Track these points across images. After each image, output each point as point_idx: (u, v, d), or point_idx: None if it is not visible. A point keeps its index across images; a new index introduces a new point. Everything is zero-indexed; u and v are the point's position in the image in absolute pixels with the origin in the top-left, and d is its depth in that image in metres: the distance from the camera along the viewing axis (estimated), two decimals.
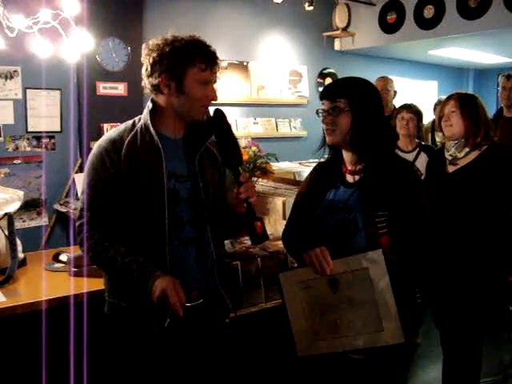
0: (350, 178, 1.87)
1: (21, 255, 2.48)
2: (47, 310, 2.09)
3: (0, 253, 2.36)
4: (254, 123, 5.49)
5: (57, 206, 3.95)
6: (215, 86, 1.83)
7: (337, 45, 6.26)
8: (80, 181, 3.80)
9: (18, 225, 3.65)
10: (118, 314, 1.83)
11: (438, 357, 2.82)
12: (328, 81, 6.20)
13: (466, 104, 2.55)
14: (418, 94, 7.24)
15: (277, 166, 3.36)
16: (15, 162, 3.87)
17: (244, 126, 5.37)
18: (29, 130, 3.92)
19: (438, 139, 4.45)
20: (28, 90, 3.88)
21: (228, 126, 1.76)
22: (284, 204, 2.92)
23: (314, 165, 2.08)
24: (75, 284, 2.25)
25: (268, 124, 5.61)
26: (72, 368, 1.98)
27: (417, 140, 3.73)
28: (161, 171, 1.75)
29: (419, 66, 7.41)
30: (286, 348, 1.89)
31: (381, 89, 4.42)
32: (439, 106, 2.79)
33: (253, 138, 3.11)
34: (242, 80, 5.38)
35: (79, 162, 4.10)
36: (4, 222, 2.39)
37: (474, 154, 2.55)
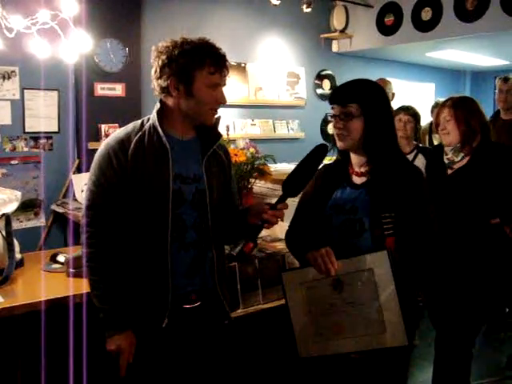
0: (356, 180, 1.87)
1: (18, 256, 2.48)
2: (45, 310, 2.09)
3: None
4: (252, 124, 5.50)
5: (54, 207, 3.95)
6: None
7: (334, 46, 6.27)
8: (78, 182, 3.81)
9: (16, 225, 3.64)
10: None
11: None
12: (326, 82, 6.22)
13: (461, 111, 2.55)
14: (415, 96, 7.25)
15: (274, 168, 3.37)
16: (12, 162, 3.87)
17: (241, 128, 5.37)
18: (26, 130, 3.92)
19: (435, 141, 4.47)
20: (26, 91, 3.88)
21: (318, 165, 1.76)
22: None
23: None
24: (73, 285, 2.25)
25: (266, 125, 5.61)
26: (71, 369, 1.98)
27: (414, 142, 3.74)
28: (167, 171, 1.75)
29: (417, 68, 7.43)
30: (284, 349, 1.89)
31: None
32: (436, 110, 2.79)
33: (250, 140, 3.12)
34: (240, 81, 5.38)
35: (77, 162, 4.10)
36: (1, 223, 2.38)
37: (468, 157, 2.58)
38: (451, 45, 5.76)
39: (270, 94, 5.63)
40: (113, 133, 1.88)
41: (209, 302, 1.87)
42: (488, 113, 4.98)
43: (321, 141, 5.01)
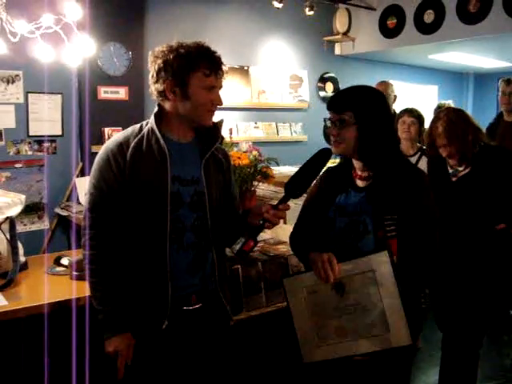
0: (360, 183, 1.88)
1: (22, 259, 2.49)
2: (49, 313, 2.09)
3: (1, 256, 2.36)
4: (255, 127, 5.50)
5: (58, 210, 3.96)
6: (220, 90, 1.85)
7: (337, 49, 6.27)
8: (81, 185, 3.82)
9: (20, 228, 3.66)
10: None
11: (438, 360, 2.83)
12: (328, 85, 6.22)
13: (451, 128, 2.54)
14: (418, 98, 7.25)
15: (277, 171, 3.37)
16: (17, 165, 3.89)
17: (244, 131, 5.38)
18: (30, 134, 3.94)
19: None
20: (30, 95, 3.89)
21: (321, 168, 1.78)
22: None
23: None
24: (77, 288, 2.25)
25: (269, 128, 5.62)
26: (74, 371, 1.98)
27: (418, 144, 3.74)
28: (165, 174, 1.76)
29: (419, 70, 7.43)
30: (287, 352, 1.89)
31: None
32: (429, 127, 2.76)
33: (253, 143, 3.12)
34: (243, 84, 5.40)
35: (80, 165, 4.11)
36: (6, 226, 2.39)
37: (470, 165, 2.60)
38: (454, 47, 5.76)
39: (272, 96, 5.64)
40: (105, 138, 1.90)
41: (210, 304, 1.88)
42: (491, 115, 4.99)
43: (324, 143, 5.01)
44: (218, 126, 1.88)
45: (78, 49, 3.07)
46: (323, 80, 6.20)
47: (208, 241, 1.85)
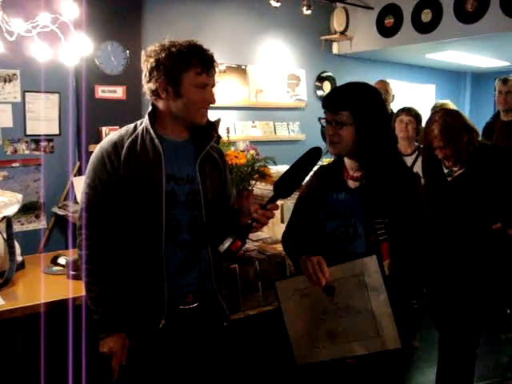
0: (351, 184, 1.86)
1: (19, 258, 2.48)
2: (46, 312, 2.09)
3: None
4: (253, 126, 5.50)
5: (55, 210, 3.95)
6: (213, 89, 1.85)
7: (335, 48, 6.27)
8: (78, 184, 3.80)
9: (17, 228, 3.65)
10: None
11: (436, 360, 2.83)
12: (326, 84, 6.21)
13: (447, 130, 2.54)
14: (416, 97, 7.25)
15: (275, 170, 3.36)
16: (14, 165, 3.87)
17: (242, 130, 5.38)
18: (27, 133, 3.92)
19: None
20: (27, 94, 3.88)
21: (311, 168, 1.75)
22: (282, 207, 2.92)
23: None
24: (74, 287, 2.25)
25: (266, 127, 5.61)
26: (70, 371, 1.98)
27: (416, 143, 3.75)
28: (160, 173, 1.76)
29: (417, 69, 7.43)
30: (283, 351, 1.89)
31: (381, 91, 4.41)
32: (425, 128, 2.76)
33: (251, 142, 3.12)
34: (240, 83, 5.39)
35: (78, 165, 4.10)
36: (2, 225, 2.39)
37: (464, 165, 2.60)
38: (451, 46, 5.76)
39: (270, 96, 5.63)
40: (103, 137, 1.90)
41: (207, 303, 1.88)
42: (488, 114, 5.00)
43: (321, 143, 5.01)
44: (212, 124, 1.88)
45: (75, 48, 3.06)
46: (321, 79, 6.20)
47: (204, 239, 1.85)
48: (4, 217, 2.40)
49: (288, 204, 2.78)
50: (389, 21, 5.73)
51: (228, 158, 2.64)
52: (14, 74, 3.81)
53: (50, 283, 2.36)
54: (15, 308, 2.07)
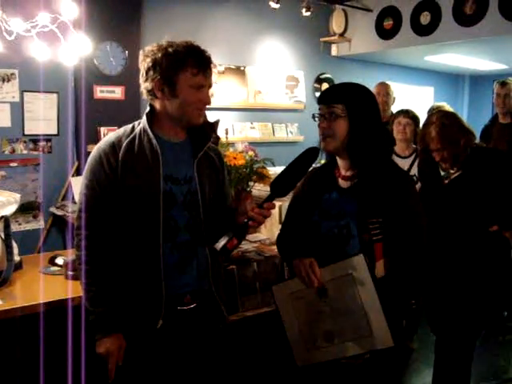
0: (343, 184, 1.86)
1: (17, 258, 2.48)
2: (44, 313, 2.09)
3: None
4: (251, 128, 5.50)
5: (53, 210, 3.95)
6: (211, 90, 1.85)
7: (334, 50, 6.28)
8: (77, 184, 3.80)
9: (14, 228, 3.64)
10: None
11: (433, 361, 2.83)
12: (325, 86, 6.22)
13: (445, 132, 2.53)
14: (414, 99, 7.27)
15: (273, 171, 3.36)
16: (12, 164, 3.87)
17: (240, 131, 5.38)
18: (26, 132, 3.92)
19: None
20: (25, 93, 3.88)
21: (308, 167, 1.75)
22: (280, 208, 2.93)
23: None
24: (72, 287, 2.25)
25: (265, 129, 5.62)
26: (70, 371, 1.98)
27: (414, 145, 3.75)
28: (157, 173, 1.76)
29: (416, 71, 7.44)
30: (282, 353, 1.90)
31: (382, 93, 4.43)
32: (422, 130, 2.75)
33: (249, 143, 3.12)
34: (239, 84, 5.39)
35: (76, 165, 4.10)
36: (0, 225, 2.38)
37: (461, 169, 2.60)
38: (450, 49, 5.77)
39: (269, 97, 5.64)
40: (101, 137, 1.90)
41: (205, 304, 1.88)
42: (487, 117, 5.01)
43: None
44: (210, 125, 1.88)
45: (74, 48, 3.06)
46: (319, 81, 6.21)
47: (202, 240, 1.85)
48: (2, 216, 2.39)
49: (286, 205, 2.78)
50: (388, 23, 5.74)
51: (226, 159, 2.64)
52: (13, 74, 3.81)
53: (48, 283, 2.36)
54: (13, 308, 2.06)
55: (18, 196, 2.56)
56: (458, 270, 2.57)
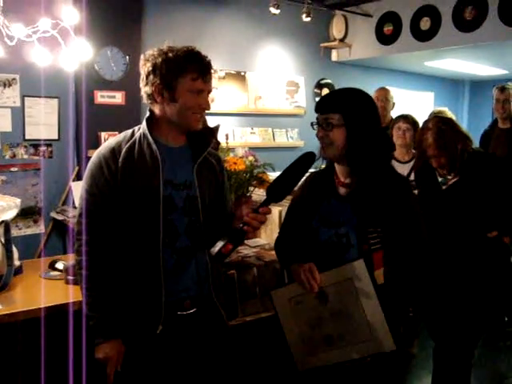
0: (342, 191, 1.85)
1: (17, 263, 2.48)
2: (44, 317, 2.09)
3: None
4: (251, 133, 5.51)
5: (53, 214, 3.95)
6: (211, 95, 1.85)
7: (334, 56, 6.30)
8: (77, 189, 3.80)
9: (15, 232, 3.65)
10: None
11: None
12: (325, 91, 6.23)
13: (441, 138, 2.53)
14: (414, 104, 7.28)
15: (273, 176, 3.37)
16: (12, 169, 3.88)
17: (241, 136, 5.39)
18: (26, 137, 3.93)
19: None
20: (26, 98, 3.89)
21: (304, 173, 1.75)
22: (280, 213, 2.93)
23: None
24: (72, 292, 2.25)
25: (265, 134, 5.63)
26: (71, 376, 1.97)
27: (413, 151, 3.75)
28: (157, 178, 1.77)
29: (416, 77, 7.45)
30: (282, 357, 1.89)
31: (381, 99, 4.44)
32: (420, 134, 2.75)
33: (250, 148, 3.13)
34: (240, 90, 5.41)
35: (76, 170, 4.11)
36: (0, 230, 2.38)
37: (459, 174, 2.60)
38: (450, 54, 5.79)
39: (269, 102, 5.65)
40: (102, 142, 1.90)
41: (205, 309, 1.88)
42: (486, 122, 5.01)
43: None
44: (210, 130, 1.88)
45: (75, 53, 3.07)
46: (320, 86, 6.22)
47: (201, 245, 1.85)
48: (2, 221, 2.39)
49: (286, 210, 2.78)
50: (388, 28, 5.75)
51: (227, 164, 2.64)
52: (14, 79, 3.82)
53: (48, 288, 2.36)
54: (13, 313, 2.07)
55: (18, 201, 2.57)
56: (457, 275, 2.57)
